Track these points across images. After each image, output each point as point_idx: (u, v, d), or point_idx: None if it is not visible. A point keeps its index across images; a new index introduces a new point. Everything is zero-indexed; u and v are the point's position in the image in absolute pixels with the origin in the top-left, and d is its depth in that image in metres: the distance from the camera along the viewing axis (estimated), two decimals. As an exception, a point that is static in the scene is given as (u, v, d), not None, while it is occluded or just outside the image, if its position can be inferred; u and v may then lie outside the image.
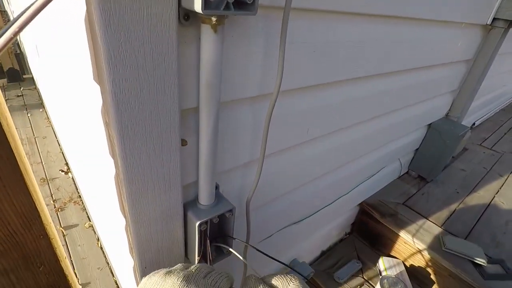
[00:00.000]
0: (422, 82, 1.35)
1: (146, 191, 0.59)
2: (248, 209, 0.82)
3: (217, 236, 0.79)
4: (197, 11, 0.43)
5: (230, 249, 0.76)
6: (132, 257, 0.69)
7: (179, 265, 0.54)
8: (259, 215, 0.96)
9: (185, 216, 0.70)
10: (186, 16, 0.48)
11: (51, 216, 1.66)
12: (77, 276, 1.74)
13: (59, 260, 0.56)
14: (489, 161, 2.27)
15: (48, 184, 2.34)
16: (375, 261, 1.54)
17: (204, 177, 0.66)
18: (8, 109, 0.47)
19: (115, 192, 0.62)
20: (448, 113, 1.80)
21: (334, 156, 1.13)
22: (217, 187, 0.75)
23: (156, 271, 0.52)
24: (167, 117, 0.53)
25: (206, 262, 0.75)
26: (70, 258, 1.80)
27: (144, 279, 0.51)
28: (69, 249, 1.84)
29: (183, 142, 0.61)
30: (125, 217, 0.63)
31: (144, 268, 0.69)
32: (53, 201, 2.20)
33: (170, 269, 0.52)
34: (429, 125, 1.73)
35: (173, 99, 0.52)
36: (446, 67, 1.46)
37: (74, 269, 1.76)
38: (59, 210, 2.14)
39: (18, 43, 3.96)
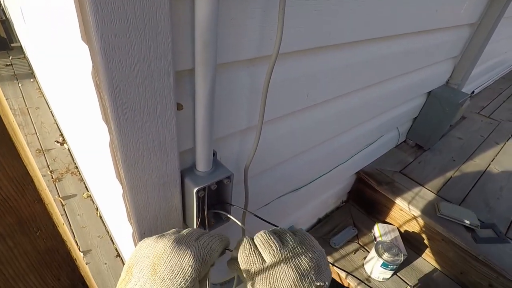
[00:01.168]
0: (424, 47, 1.30)
1: (142, 157, 0.57)
2: (246, 176, 0.81)
3: (215, 203, 0.79)
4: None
5: (229, 215, 0.76)
6: (131, 224, 0.69)
7: (172, 230, 0.54)
8: (257, 183, 0.96)
9: (183, 183, 0.69)
10: (178, -36, 0.44)
11: (48, 187, 1.65)
12: (78, 244, 1.78)
13: (56, 225, 0.55)
14: (486, 129, 2.28)
15: (44, 155, 2.32)
16: (370, 228, 1.57)
17: (201, 143, 0.64)
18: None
19: (110, 159, 0.60)
20: (448, 80, 1.77)
21: (333, 124, 1.11)
22: (214, 154, 0.74)
23: (150, 236, 0.52)
24: (161, 78, 0.50)
25: (205, 229, 0.76)
26: (70, 227, 1.83)
27: (139, 243, 0.51)
28: (69, 219, 1.86)
29: (179, 106, 0.59)
30: (121, 184, 0.61)
31: (143, 234, 0.69)
32: (50, 172, 2.19)
33: (163, 233, 0.52)
34: (429, 93, 1.70)
35: (167, 59, 0.49)
36: (450, 31, 1.41)
37: (74, 237, 1.80)
38: (57, 180, 2.14)
39: (2, 8, 3.76)
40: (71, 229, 1.87)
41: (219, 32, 0.55)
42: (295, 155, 1.03)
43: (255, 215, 0.76)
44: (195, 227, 0.73)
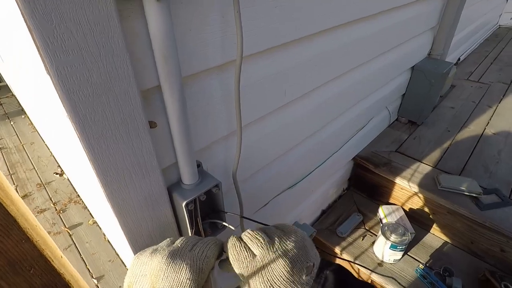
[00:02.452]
0: (399, 23, 1.30)
1: (124, 180, 0.57)
2: (236, 181, 0.81)
3: (209, 212, 0.79)
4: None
5: (224, 223, 0.76)
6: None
7: (165, 241, 0.54)
8: (250, 186, 0.95)
9: (172, 198, 0.69)
10: (121, -14, 0.44)
11: (53, 219, 1.65)
12: (90, 271, 1.79)
13: (49, 261, 0.55)
14: (477, 94, 2.27)
15: (45, 188, 2.34)
16: (375, 212, 1.57)
17: (182, 157, 0.64)
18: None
19: (98, 185, 0.60)
20: (430, 52, 1.76)
21: (318, 115, 1.11)
22: (199, 165, 0.74)
23: (143, 250, 0.52)
24: (127, 100, 0.50)
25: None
26: (80, 255, 1.84)
27: (133, 260, 0.50)
28: (78, 247, 1.87)
29: (152, 124, 0.59)
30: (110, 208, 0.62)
31: (141, 255, 0.69)
32: (53, 204, 2.20)
33: (156, 246, 0.52)
34: (412, 67, 1.70)
35: (129, 80, 0.49)
36: (423, 3, 1.41)
37: (86, 265, 1.81)
38: (61, 212, 2.15)
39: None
40: (82, 257, 1.88)
41: (179, 45, 0.55)
42: (284, 152, 1.03)
43: (249, 219, 0.76)
44: (191, 239, 0.73)
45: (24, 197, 2.25)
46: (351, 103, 1.31)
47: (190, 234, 0.71)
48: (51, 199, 2.29)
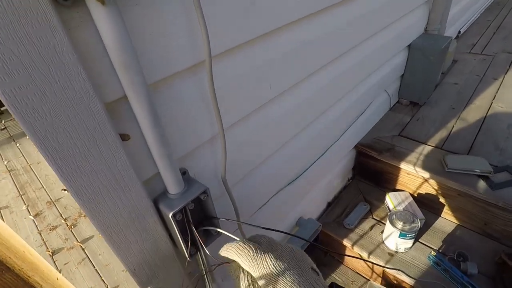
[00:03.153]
0: (390, 0, 1.24)
1: (101, 197, 0.55)
2: (226, 185, 0.78)
3: (203, 219, 0.76)
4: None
5: (218, 230, 0.74)
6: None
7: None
8: (245, 187, 0.92)
9: (159, 210, 0.67)
10: (62, -7, 0.41)
11: (65, 235, 1.67)
12: (105, 282, 1.81)
13: (37, 287, 0.53)
14: (481, 67, 2.18)
15: (55, 205, 2.37)
16: (382, 200, 1.52)
17: (163, 167, 0.62)
18: None
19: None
20: (426, 28, 1.69)
21: (311, 106, 1.07)
22: (185, 172, 0.71)
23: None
24: (90, 115, 0.48)
25: (197, 248, 0.73)
26: (94, 267, 1.87)
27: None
28: (91, 260, 1.90)
29: (125, 137, 0.56)
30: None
31: (134, 270, 0.67)
32: (64, 220, 2.24)
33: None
34: (409, 46, 1.63)
35: (88, 94, 0.46)
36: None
37: (100, 276, 1.84)
38: (72, 227, 2.18)
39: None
40: (96, 269, 1.91)
41: (141, 50, 0.52)
42: (278, 148, 1.00)
43: (242, 223, 0.73)
44: (186, 250, 0.70)
45: (36, 215, 2.29)
46: (346, 90, 1.26)
47: (182, 244, 0.69)
48: (61, 216, 2.33)
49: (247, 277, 0.50)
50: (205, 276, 0.84)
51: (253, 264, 0.48)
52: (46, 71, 0.41)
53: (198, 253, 0.75)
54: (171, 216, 0.63)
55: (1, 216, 2.33)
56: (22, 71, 0.39)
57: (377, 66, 1.42)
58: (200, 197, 0.68)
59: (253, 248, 0.50)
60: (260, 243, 0.53)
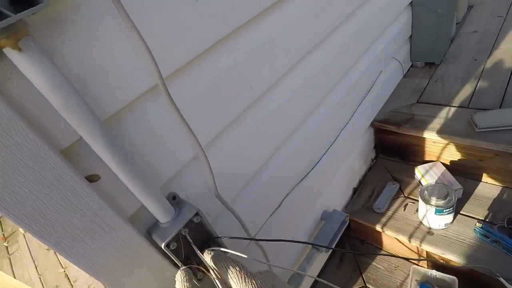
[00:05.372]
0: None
1: (83, 243, 0.53)
2: (223, 201, 0.74)
3: (207, 239, 0.73)
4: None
5: (222, 249, 0.70)
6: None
7: None
8: (249, 196, 0.87)
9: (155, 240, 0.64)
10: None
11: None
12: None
13: None
14: (503, 6, 1.94)
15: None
16: (412, 174, 1.40)
17: (144, 198, 0.59)
18: None
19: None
20: (427, -21, 1.52)
21: (307, 94, 0.99)
22: (175, 197, 0.68)
23: None
24: (46, 166, 0.45)
25: (206, 270, 0.70)
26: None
27: None
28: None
29: (94, 178, 0.54)
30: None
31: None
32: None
33: None
34: (411, 3, 1.48)
35: (37, 145, 0.44)
36: None
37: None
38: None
39: None
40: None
41: (88, 84, 0.49)
42: (279, 146, 0.94)
43: (246, 238, 0.69)
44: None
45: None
46: (347, 67, 1.17)
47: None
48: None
49: None
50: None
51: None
52: (-20, 134, 0.39)
53: (210, 275, 0.72)
54: (164, 247, 0.61)
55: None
56: (-48, 141, 0.37)
57: (378, 33, 1.31)
58: (193, 220, 0.65)
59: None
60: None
